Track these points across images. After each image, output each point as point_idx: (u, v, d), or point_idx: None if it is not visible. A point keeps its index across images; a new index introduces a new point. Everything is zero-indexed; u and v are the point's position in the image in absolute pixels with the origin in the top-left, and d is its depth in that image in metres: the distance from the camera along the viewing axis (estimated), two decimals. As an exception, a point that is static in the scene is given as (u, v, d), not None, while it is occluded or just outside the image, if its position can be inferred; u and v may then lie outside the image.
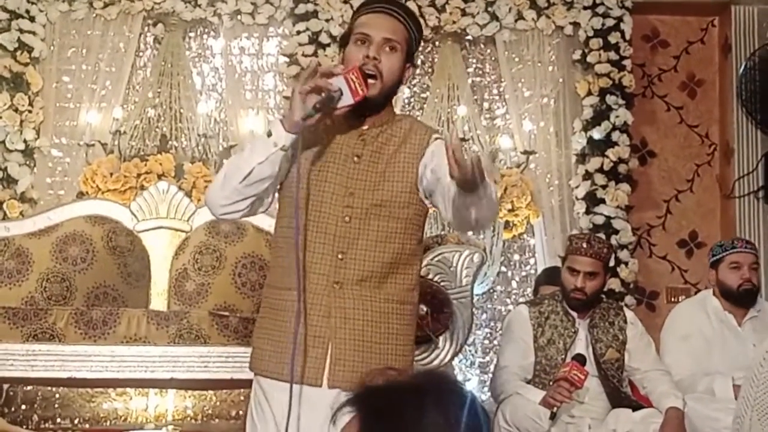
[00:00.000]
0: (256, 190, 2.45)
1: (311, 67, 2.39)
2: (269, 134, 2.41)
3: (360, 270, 2.45)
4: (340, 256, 2.45)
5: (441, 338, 3.77)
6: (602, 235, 5.06)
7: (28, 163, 5.26)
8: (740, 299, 4.21)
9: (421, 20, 5.40)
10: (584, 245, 3.92)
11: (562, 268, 4.04)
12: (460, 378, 5.23)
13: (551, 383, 3.71)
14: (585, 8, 5.59)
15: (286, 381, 2.38)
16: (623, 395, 3.89)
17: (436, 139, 2.54)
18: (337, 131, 2.52)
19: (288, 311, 2.44)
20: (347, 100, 2.36)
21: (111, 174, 5.15)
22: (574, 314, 3.95)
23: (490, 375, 4.58)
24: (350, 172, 2.49)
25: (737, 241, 4.40)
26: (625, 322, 3.99)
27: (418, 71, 5.71)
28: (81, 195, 5.16)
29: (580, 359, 3.64)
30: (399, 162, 2.51)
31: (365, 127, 2.53)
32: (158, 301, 4.38)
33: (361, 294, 2.45)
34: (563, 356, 3.84)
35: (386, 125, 2.54)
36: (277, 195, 2.58)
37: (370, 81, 2.40)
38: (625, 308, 4.18)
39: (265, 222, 4.55)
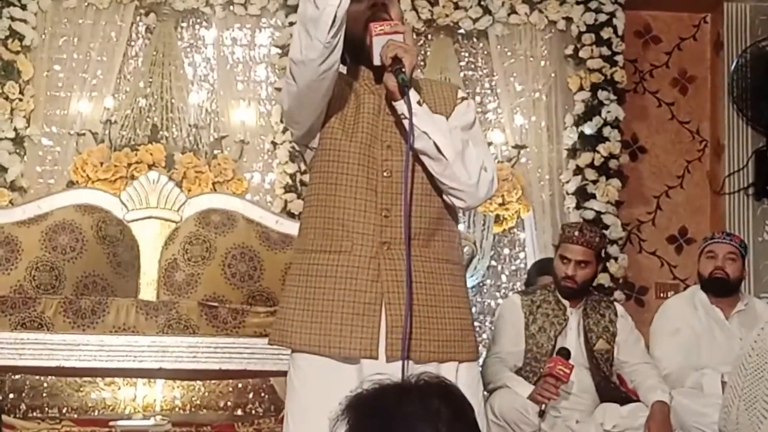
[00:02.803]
0: (340, 44, 2.18)
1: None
2: None
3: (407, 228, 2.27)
4: (384, 214, 2.30)
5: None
6: (592, 230, 5.07)
7: (18, 151, 5.23)
8: (710, 287, 4.18)
9: (414, 13, 5.50)
10: (576, 233, 3.94)
11: (555, 256, 4.05)
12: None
13: (540, 377, 3.72)
14: (578, 3, 5.59)
15: (329, 356, 2.25)
16: (612, 386, 3.90)
17: (462, 98, 2.44)
18: (364, 84, 2.40)
19: (329, 276, 2.28)
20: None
21: (101, 163, 5.14)
22: (566, 303, 3.96)
23: (480, 367, 4.59)
24: (384, 125, 2.35)
25: (718, 233, 4.43)
26: (616, 315, 4.00)
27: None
28: (71, 184, 5.15)
29: (564, 353, 3.65)
30: (435, 113, 2.34)
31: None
32: (147, 291, 4.37)
33: (410, 254, 2.26)
34: (553, 343, 3.85)
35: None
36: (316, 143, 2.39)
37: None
38: (615, 302, 4.20)
39: (255, 213, 4.55)
